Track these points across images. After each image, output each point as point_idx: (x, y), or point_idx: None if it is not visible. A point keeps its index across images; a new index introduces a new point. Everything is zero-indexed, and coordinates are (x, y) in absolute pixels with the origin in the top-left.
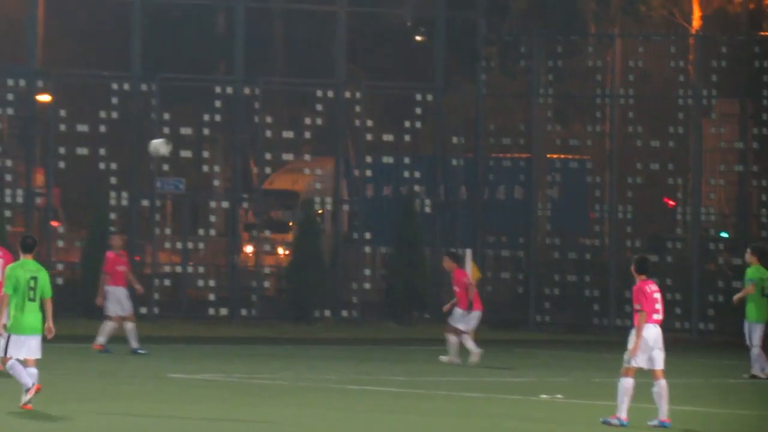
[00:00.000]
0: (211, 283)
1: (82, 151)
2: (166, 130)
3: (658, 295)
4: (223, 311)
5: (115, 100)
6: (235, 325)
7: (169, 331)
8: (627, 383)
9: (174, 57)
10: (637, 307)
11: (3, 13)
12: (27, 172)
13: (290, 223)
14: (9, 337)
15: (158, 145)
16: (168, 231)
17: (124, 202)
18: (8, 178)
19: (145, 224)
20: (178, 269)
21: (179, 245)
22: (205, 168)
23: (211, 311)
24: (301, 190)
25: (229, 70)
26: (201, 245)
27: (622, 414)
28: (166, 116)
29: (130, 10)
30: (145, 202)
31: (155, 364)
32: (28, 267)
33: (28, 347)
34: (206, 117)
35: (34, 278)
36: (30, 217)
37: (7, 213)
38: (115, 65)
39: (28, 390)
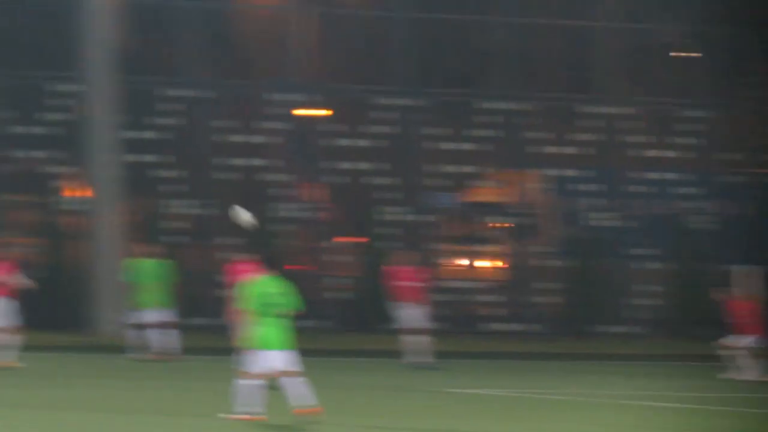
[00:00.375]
0: (493, 298)
1: (362, 165)
2: (442, 145)
3: None
4: (502, 326)
5: (392, 116)
6: (514, 339)
7: (450, 346)
8: None
9: (443, 72)
10: None
11: (280, 28)
12: (302, 186)
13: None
14: (253, 353)
15: (243, 216)
16: (448, 246)
17: (405, 217)
18: (285, 192)
19: (426, 239)
20: (460, 284)
21: (460, 260)
22: (481, 183)
23: (492, 326)
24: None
25: (498, 86)
26: (482, 260)
27: None
28: (439, 132)
29: (402, 26)
30: (425, 217)
31: (434, 378)
32: (271, 283)
33: (272, 362)
34: (481, 132)
35: (279, 293)
36: (308, 232)
37: (288, 227)
38: (390, 80)
39: (246, 413)
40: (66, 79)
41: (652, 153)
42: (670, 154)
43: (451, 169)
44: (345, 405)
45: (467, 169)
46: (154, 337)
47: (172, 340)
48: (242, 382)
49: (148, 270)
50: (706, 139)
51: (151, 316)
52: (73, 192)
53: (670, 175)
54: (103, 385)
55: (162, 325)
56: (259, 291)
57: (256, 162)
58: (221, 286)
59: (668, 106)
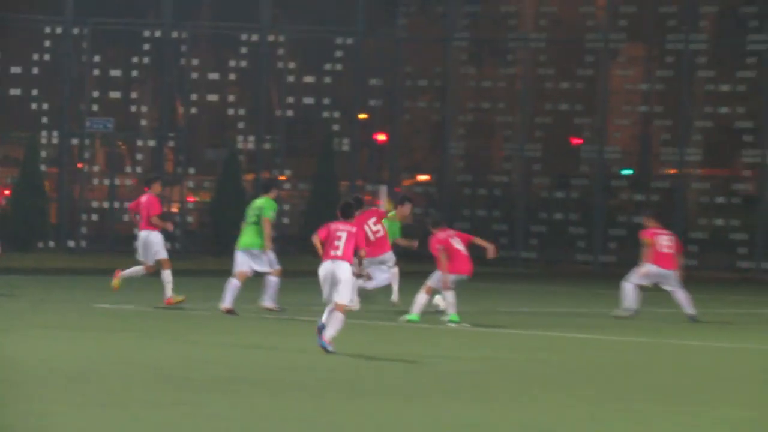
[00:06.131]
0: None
1: (15, 92)
2: (96, 72)
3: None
4: None
5: (47, 43)
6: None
7: (96, 264)
8: None
9: (105, 1)
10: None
11: None
12: None
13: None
14: None
15: None
16: (96, 168)
17: (55, 141)
18: None
19: (75, 162)
20: (106, 205)
21: (107, 182)
22: (133, 108)
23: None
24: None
25: (158, 15)
26: (128, 182)
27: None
28: (97, 59)
29: None
30: (75, 141)
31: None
32: None
33: None
34: (135, 60)
35: None
36: None
37: None
38: (48, 9)
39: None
40: None
41: (304, 79)
42: (312, 79)
43: (110, 96)
44: None
45: (126, 96)
46: None
47: None
48: None
49: None
50: (351, 66)
51: None
52: None
53: (317, 100)
54: None
55: None
56: None
57: None
58: None
59: (317, 34)
